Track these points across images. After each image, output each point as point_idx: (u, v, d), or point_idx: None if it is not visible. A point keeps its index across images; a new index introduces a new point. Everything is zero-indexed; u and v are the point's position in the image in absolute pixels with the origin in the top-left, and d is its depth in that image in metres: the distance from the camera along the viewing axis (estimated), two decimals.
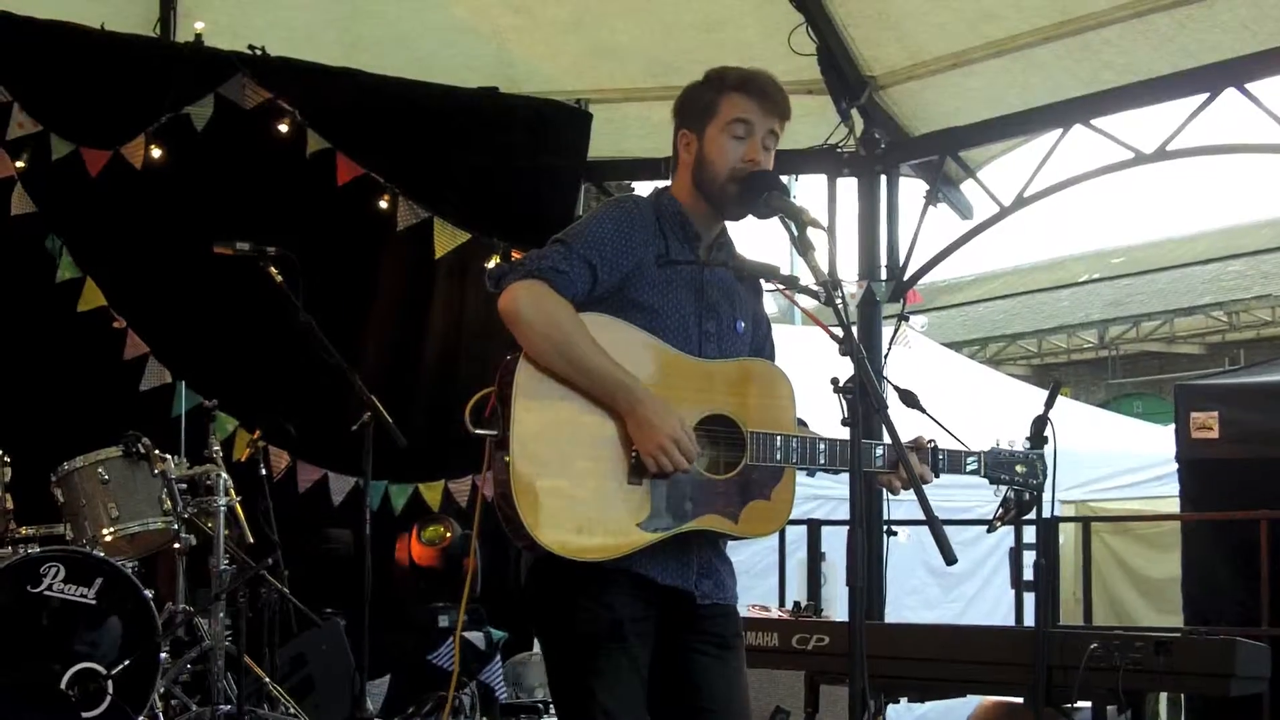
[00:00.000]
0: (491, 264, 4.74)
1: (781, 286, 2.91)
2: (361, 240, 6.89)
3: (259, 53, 6.65)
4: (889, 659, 4.31)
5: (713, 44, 6.75)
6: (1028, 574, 5.53)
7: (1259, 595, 5.62)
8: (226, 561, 5.27)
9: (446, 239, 6.94)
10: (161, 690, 4.93)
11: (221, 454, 5.49)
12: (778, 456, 2.79)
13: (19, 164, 6.30)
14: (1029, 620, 5.91)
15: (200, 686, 5.31)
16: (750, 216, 2.87)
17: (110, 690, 4.65)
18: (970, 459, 3.05)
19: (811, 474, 2.95)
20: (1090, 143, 6.39)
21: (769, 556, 7.23)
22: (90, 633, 4.71)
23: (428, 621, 6.32)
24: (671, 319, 2.80)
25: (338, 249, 6.67)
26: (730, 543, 2.91)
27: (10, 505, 5.10)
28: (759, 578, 7.37)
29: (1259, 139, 6.03)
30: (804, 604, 5.93)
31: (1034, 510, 3.21)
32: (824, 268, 2.72)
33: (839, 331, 2.62)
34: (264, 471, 5.73)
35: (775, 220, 2.81)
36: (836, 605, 6.48)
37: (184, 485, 5.31)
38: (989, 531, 3.58)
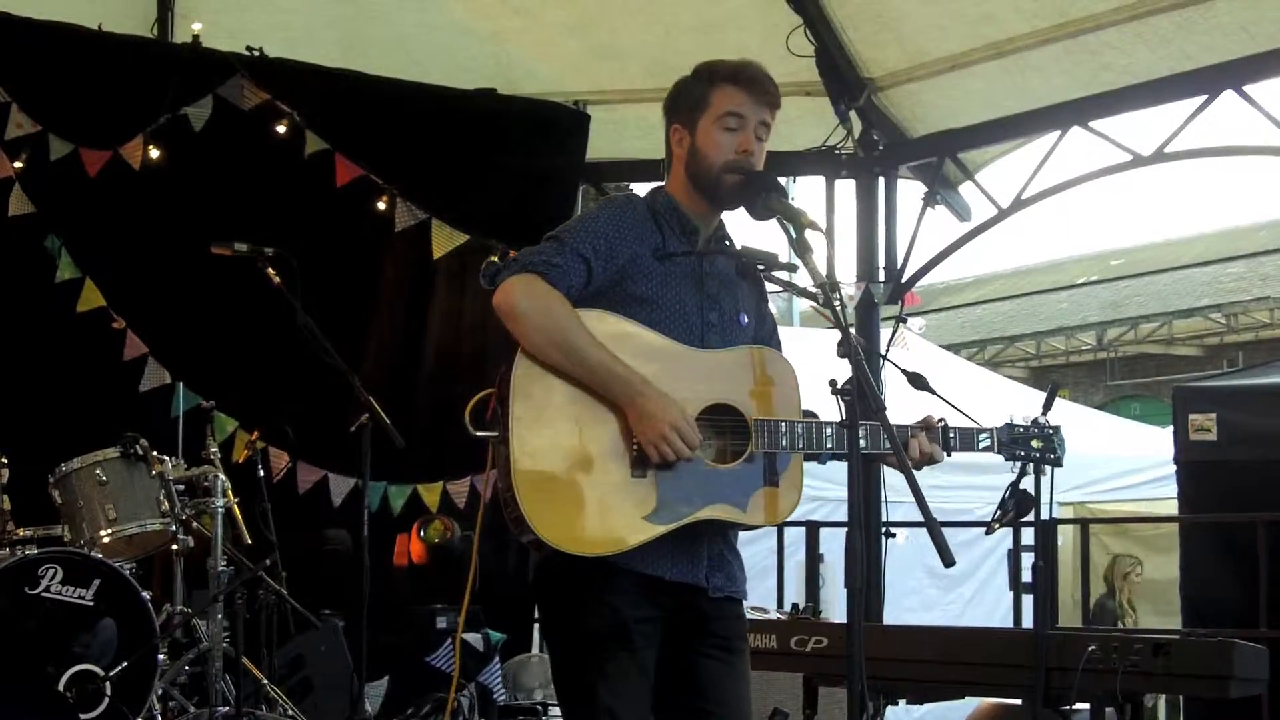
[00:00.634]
0: None
1: (783, 275, 2.91)
2: (360, 241, 6.89)
3: (257, 53, 6.65)
4: (887, 661, 4.30)
5: (711, 46, 6.69)
6: (1026, 576, 5.52)
7: (1257, 597, 5.61)
8: (224, 563, 5.27)
9: (445, 240, 6.93)
10: (159, 692, 4.93)
11: (219, 455, 5.48)
12: (784, 443, 2.78)
13: (17, 164, 6.31)
14: (1027, 622, 5.89)
15: (198, 688, 5.31)
16: (749, 216, 2.86)
17: (108, 692, 4.64)
18: (983, 435, 3.01)
19: (823, 461, 2.93)
20: (1089, 145, 6.41)
21: (768, 558, 7.21)
22: (88, 634, 4.70)
23: (426, 623, 6.31)
24: (672, 311, 2.80)
25: (336, 250, 6.67)
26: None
27: (8, 506, 5.10)
28: (757, 579, 7.29)
29: (1257, 141, 6.04)
30: (802, 605, 5.93)
31: (1032, 512, 3.20)
32: (822, 269, 2.72)
33: (853, 333, 2.61)
34: (262, 473, 5.74)
35: (773, 222, 2.81)
36: (835, 607, 6.48)
37: (182, 486, 5.31)
38: (987, 533, 3.57)
